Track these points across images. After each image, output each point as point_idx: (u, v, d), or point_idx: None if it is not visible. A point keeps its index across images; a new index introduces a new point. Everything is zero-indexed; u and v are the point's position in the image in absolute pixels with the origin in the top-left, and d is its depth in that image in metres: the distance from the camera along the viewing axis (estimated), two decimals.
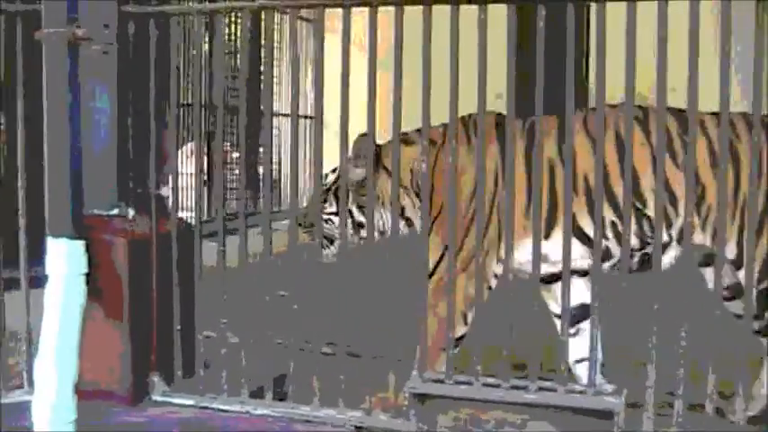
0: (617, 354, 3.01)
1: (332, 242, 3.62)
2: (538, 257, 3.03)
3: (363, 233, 3.51)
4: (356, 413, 3.18)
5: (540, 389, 3.00)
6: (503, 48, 2.94)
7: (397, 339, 3.19)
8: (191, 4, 3.35)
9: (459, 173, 3.22)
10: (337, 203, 3.53)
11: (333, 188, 3.69)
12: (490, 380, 3.04)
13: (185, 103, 7.43)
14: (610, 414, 2.88)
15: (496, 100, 3.10)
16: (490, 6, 2.94)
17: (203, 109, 3.64)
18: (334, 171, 3.74)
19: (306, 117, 9.20)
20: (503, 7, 2.95)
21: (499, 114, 3.36)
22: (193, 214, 3.58)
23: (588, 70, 7.92)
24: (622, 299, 3.08)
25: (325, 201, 3.67)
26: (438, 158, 3.46)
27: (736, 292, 3.38)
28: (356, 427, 3.16)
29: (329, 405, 3.21)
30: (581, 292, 3.45)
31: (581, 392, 2.97)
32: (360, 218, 3.59)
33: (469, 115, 3.42)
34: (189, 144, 7.79)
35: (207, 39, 7.59)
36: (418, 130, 3.35)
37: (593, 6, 2.95)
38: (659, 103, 2.89)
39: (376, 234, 3.47)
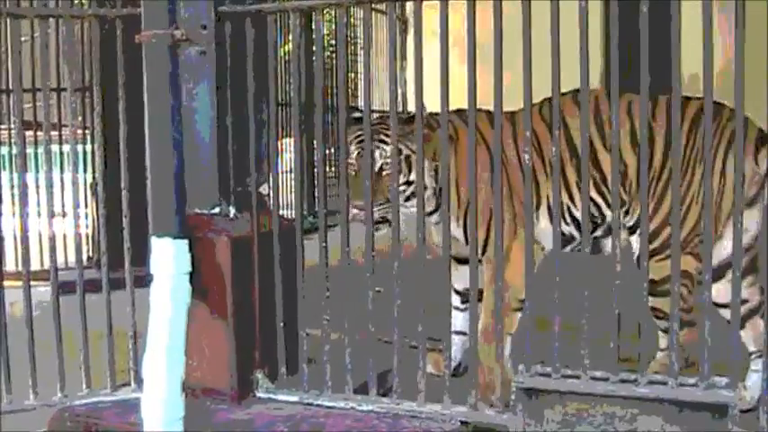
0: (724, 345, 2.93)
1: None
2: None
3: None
4: (462, 408, 3.15)
5: (651, 382, 2.93)
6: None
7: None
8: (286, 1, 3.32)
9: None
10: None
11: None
12: (598, 373, 2.98)
13: (282, 102, 7.51)
14: (725, 408, 2.79)
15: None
16: None
17: (301, 107, 3.63)
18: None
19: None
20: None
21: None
22: (292, 212, 3.58)
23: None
24: None
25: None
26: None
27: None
28: (462, 423, 3.13)
29: (434, 400, 3.19)
30: None
31: (693, 385, 2.88)
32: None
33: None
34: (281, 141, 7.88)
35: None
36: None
37: None
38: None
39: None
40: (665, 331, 3.50)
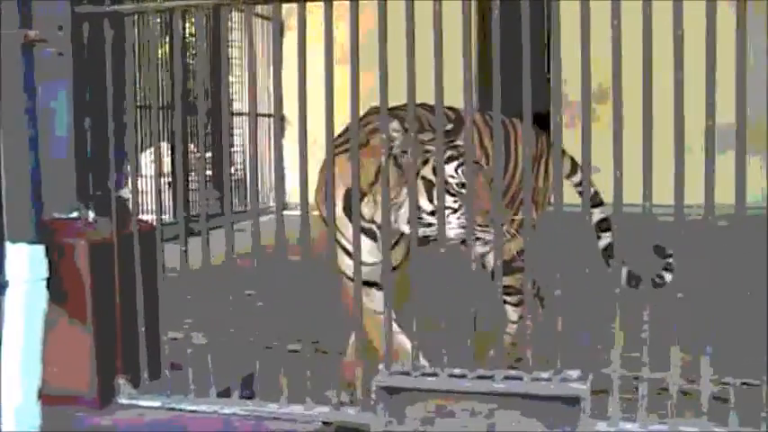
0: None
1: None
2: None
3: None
4: (324, 409, 3.18)
5: (506, 377, 3.01)
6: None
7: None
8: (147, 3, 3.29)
9: None
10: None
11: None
12: (456, 370, 3.05)
13: (144, 104, 7.36)
14: (576, 400, 2.90)
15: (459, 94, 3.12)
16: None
17: (161, 111, 3.58)
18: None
19: (266, 115, 9.28)
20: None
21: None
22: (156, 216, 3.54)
23: (549, 67, 7.96)
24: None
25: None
26: None
27: None
28: (324, 423, 3.15)
29: (297, 402, 3.21)
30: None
31: (547, 380, 2.98)
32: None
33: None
34: (152, 148, 7.75)
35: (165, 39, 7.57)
36: None
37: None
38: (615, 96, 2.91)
39: None
40: (517, 305, 4.22)
